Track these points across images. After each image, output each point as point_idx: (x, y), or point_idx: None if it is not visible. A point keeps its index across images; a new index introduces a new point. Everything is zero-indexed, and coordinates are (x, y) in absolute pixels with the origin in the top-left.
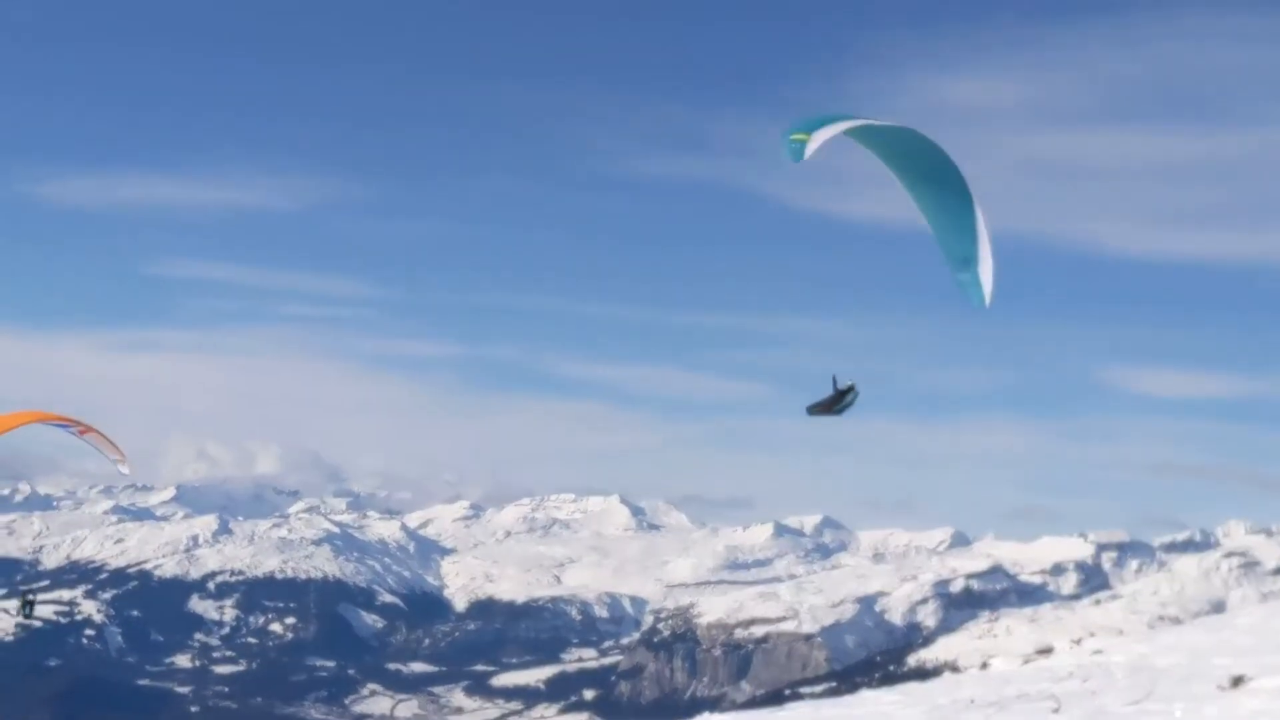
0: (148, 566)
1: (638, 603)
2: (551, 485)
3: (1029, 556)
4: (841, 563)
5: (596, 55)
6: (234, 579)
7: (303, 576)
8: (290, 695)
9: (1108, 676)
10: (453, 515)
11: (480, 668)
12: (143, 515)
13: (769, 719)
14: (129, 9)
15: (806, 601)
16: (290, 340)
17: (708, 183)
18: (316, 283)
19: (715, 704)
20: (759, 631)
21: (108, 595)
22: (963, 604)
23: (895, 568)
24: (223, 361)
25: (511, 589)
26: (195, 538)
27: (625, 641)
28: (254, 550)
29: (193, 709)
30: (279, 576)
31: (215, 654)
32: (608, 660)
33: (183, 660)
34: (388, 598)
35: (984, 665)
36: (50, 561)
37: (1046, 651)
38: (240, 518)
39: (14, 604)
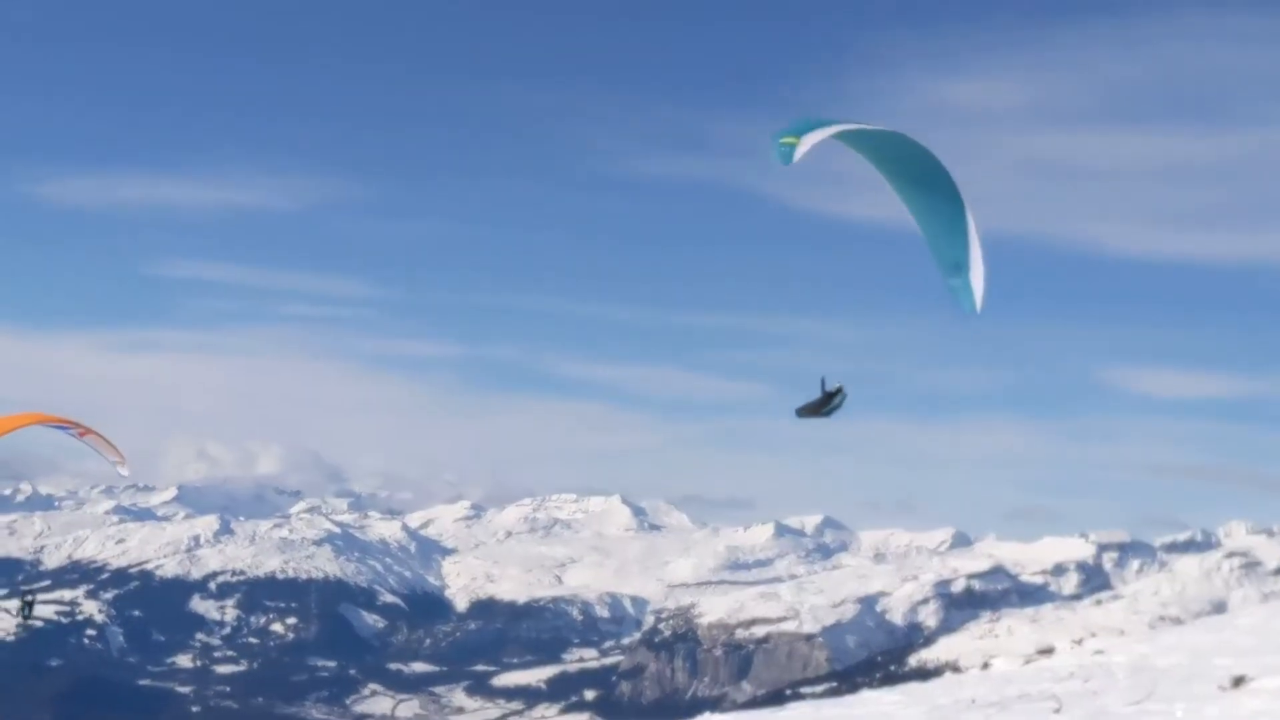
0: (149, 566)
1: (639, 603)
2: (552, 485)
3: (1030, 557)
4: (842, 563)
5: (596, 55)
6: (235, 579)
7: (304, 577)
8: (291, 695)
9: (1109, 677)
10: (454, 515)
11: (481, 668)
12: (144, 515)
13: (770, 719)
14: (129, 9)
15: (807, 602)
16: (290, 340)
17: (708, 183)
18: (316, 283)
19: (716, 704)
20: (760, 632)
21: (109, 595)
22: (964, 604)
23: (896, 568)
24: (223, 362)
25: (512, 589)
26: (196, 538)
27: (626, 642)
28: (255, 550)
29: (194, 709)
30: (280, 577)
31: (216, 654)
32: (609, 660)
33: (184, 660)
34: (389, 598)
35: (985, 665)
36: (51, 561)
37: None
38: (241, 518)
39: (15, 604)
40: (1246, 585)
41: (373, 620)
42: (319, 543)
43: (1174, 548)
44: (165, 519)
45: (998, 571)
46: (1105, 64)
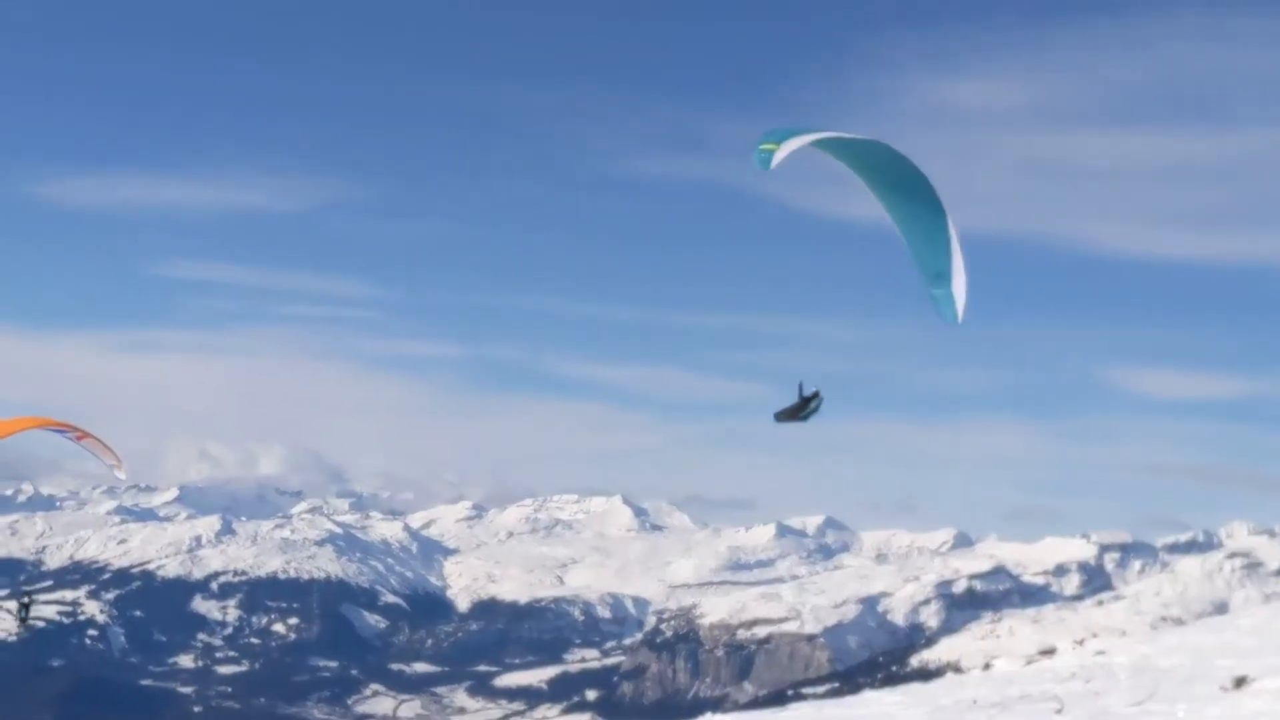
0: (150, 567)
1: (640, 603)
2: (553, 486)
3: (1031, 557)
4: (844, 563)
5: (596, 55)
6: (237, 579)
7: (305, 577)
8: (293, 695)
9: (1110, 677)
10: (455, 516)
11: (483, 668)
12: (146, 516)
13: (771, 719)
14: (129, 9)
15: (809, 602)
16: (291, 340)
17: (708, 183)
18: (317, 283)
19: (718, 704)
20: (761, 632)
21: (111, 596)
22: (965, 605)
23: (898, 568)
24: (224, 362)
25: (514, 589)
26: (198, 538)
27: (628, 642)
28: (257, 551)
29: (195, 709)
30: (282, 577)
31: (218, 654)
32: (610, 661)
33: (186, 660)
34: (390, 598)
35: (987, 666)
36: (53, 562)
37: (1049, 652)
38: (243, 518)
39: (14, 605)
40: (1248, 586)
41: (374, 620)
42: (320, 543)
43: (1176, 548)
44: (167, 519)
45: (999, 572)
46: (1105, 64)
